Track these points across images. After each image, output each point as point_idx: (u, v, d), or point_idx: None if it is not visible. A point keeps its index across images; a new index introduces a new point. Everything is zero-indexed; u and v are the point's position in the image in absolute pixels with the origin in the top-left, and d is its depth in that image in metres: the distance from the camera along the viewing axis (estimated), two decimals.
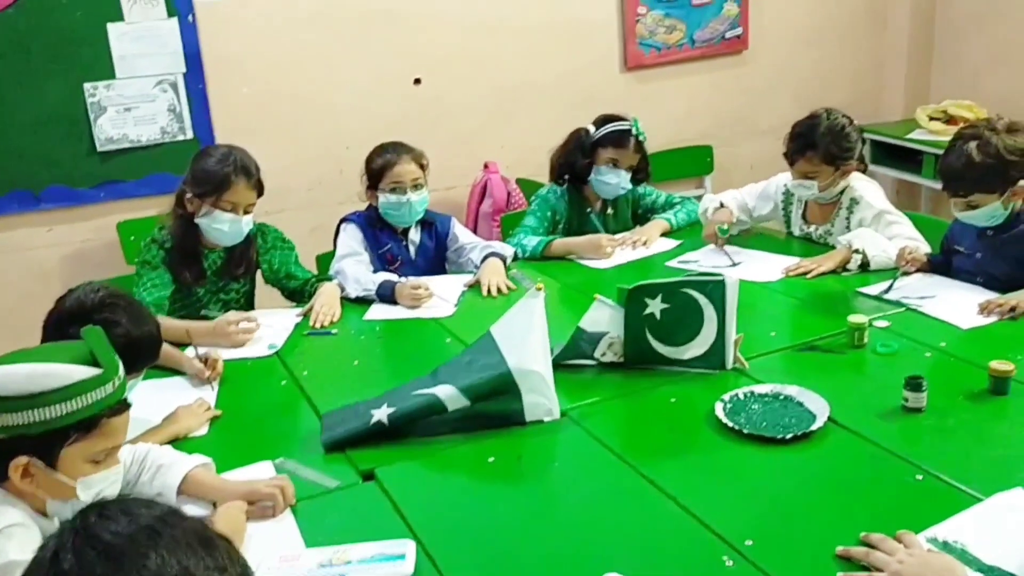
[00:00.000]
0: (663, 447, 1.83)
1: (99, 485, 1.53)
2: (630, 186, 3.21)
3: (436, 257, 3.09)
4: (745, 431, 1.81)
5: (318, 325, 2.60)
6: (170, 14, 3.70)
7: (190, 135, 3.83)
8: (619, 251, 3.09)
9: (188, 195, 2.64)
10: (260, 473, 1.80)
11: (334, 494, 1.73)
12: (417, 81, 4.19)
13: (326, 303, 2.69)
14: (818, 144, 2.78)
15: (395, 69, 4.14)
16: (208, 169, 2.62)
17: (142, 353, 1.94)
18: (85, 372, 1.47)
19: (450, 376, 1.96)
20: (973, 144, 2.37)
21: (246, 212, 2.66)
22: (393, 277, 2.80)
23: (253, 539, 1.58)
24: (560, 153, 3.23)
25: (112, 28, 3.63)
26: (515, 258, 3.10)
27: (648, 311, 2.13)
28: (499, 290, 2.77)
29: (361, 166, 4.10)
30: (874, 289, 2.54)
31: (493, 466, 1.80)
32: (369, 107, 4.11)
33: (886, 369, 2.08)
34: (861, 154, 2.87)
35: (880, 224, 2.79)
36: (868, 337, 2.20)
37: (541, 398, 1.94)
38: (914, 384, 1.87)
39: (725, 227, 2.98)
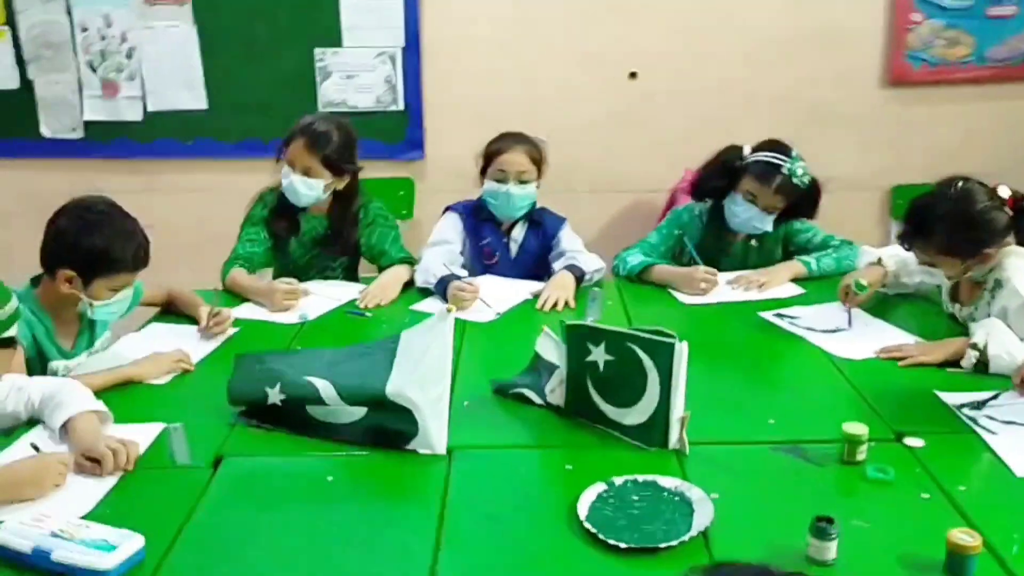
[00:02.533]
0: (493, 522, 1.58)
1: None
2: (766, 228, 2.79)
3: (540, 258, 2.95)
4: (584, 525, 1.52)
5: (362, 305, 2.62)
6: None
7: (401, 106, 4.02)
8: (728, 289, 2.72)
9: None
10: (148, 433, 1.87)
11: (170, 472, 1.74)
12: (633, 75, 3.98)
13: (381, 285, 2.71)
14: (933, 232, 2.19)
15: (610, 61, 3.96)
16: (289, 129, 2.75)
17: (118, 260, 2.17)
18: None
19: (338, 364, 1.91)
20: None
21: (306, 175, 2.73)
22: (462, 273, 2.73)
23: (63, 492, 1.65)
24: (704, 167, 2.89)
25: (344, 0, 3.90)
26: (616, 274, 2.87)
27: (591, 358, 1.86)
28: (554, 306, 2.58)
29: (562, 156, 4.06)
30: (957, 398, 1.96)
31: (325, 486, 1.70)
32: (578, 97, 3.99)
33: (857, 499, 1.62)
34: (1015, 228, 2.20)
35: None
36: (867, 454, 1.72)
37: (426, 426, 1.79)
38: (820, 528, 1.43)
39: (864, 283, 2.47)
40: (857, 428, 1.71)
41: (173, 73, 4.01)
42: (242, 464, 1.77)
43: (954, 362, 2.13)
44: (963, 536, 1.39)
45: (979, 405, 1.92)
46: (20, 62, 4.01)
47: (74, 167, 4.17)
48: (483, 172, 2.88)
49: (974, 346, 2.09)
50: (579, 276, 2.70)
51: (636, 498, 1.61)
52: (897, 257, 2.62)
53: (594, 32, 3.92)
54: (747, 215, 2.76)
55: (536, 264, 2.94)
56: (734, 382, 2.14)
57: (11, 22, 3.96)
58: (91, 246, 2.13)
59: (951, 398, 1.96)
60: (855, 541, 1.47)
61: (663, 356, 1.75)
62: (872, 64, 3.91)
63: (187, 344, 2.33)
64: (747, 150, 2.83)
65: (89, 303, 2.18)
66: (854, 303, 2.48)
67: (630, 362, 1.79)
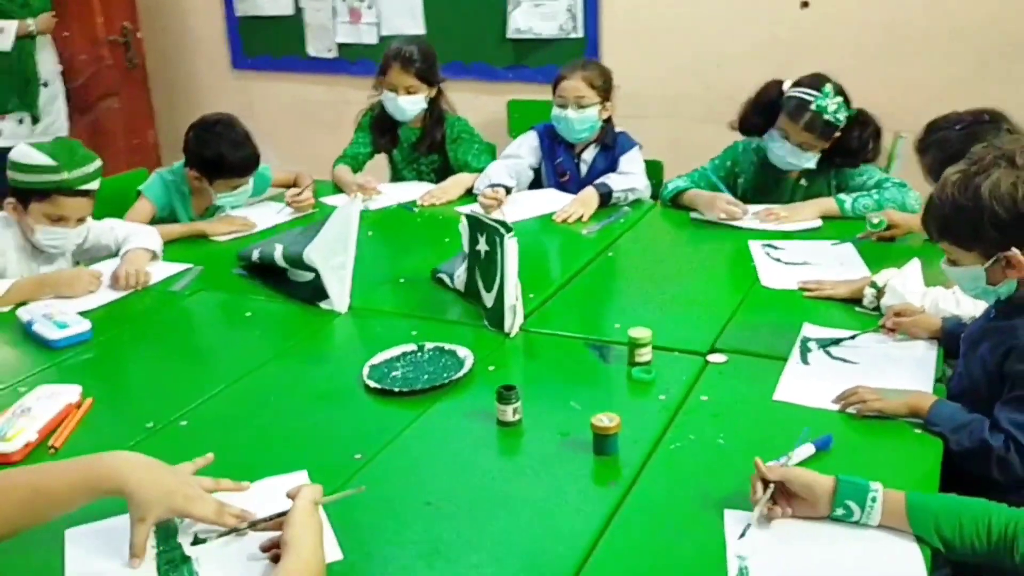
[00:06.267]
0: (306, 363, 1.98)
1: (51, 236, 2.45)
2: (805, 165, 2.74)
3: None
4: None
5: (419, 201, 3.06)
6: None
7: (580, 34, 4.30)
8: (749, 218, 2.73)
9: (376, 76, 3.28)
10: (175, 268, 2.52)
11: (163, 295, 2.36)
12: (804, 4, 3.87)
13: (442, 187, 3.11)
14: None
15: None
16: (383, 56, 3.21)
17: (230, 167, 2.81)
18: (43, 160, 2.39)
19: (298, 234, 2.38)
20: (957, 174, 1.62)
21: (409, 93, 3.18)
22: (511, 183, 3.03)
23: (92, 295, 2.35)
24: (746, 103, 2.89)
25: None
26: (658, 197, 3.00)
27: (478, 247, 2.13)
28: (565, 219, 2.80)
29: (730, 85, 4.10)
30: (817, 332, 1.95)
31: (242, 319, 2.20)
32: (748, 26, 3.98)
33: (604, 389, 1.80)
34: None
35: None
36: (651, 357, 1.84)
37: (329, 287, 2.21)
38: (500, 394, 1.65)
39: (878, 221, 2.43)
40: (639, 332, 1.84)
41: (400, 2, 4.67)
42: (207, 296, 2.35)
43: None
44: (603, 419, 1.54)
45: (831, 343, 1.90)
46: None
47: (330, 81, 5.04)
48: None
49: (873, 284, 2.03)
50: (605, 194, 2.88)
51: (427, 358, 1.92)
52: None
53: None
54: (781, 151, 2.73)
55: None
56: (644, 293, 2.27)
57: None
58: (208, 156, 2.81)
59: (811, 331, 1.96)
60: (552, 417, 1.67)
61: (501, 247, 1.99)
62: None
63: (268, 214, 2.95)
64: (787, 84, 2.78)
65: (214, 194, 2.88)
66: (869, 237, 2.45)
67: (495, 251, 2.05)
